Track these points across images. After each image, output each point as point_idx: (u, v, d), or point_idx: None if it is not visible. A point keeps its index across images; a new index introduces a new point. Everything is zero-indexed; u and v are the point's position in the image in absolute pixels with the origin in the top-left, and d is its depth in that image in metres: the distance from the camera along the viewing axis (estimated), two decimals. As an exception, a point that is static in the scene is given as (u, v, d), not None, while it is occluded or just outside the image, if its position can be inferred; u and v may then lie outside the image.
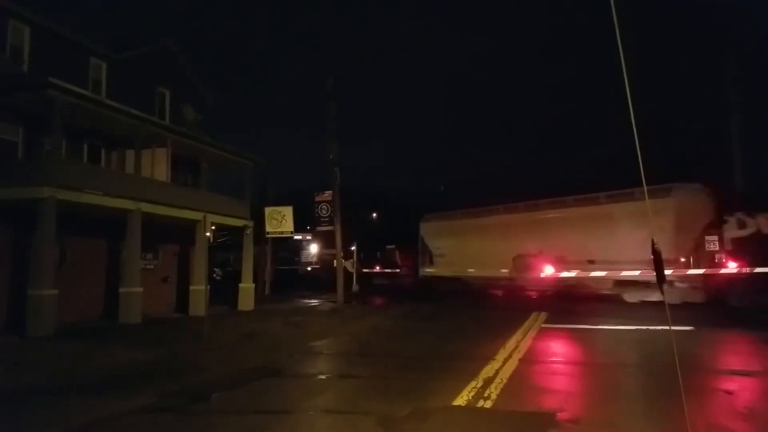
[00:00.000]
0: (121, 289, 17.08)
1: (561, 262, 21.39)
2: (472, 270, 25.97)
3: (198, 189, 22.10)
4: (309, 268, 40.38)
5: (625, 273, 19.35)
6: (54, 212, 14.56)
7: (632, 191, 19.56)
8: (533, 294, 23.62)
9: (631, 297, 20.19)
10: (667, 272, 17.06)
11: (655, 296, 18.39)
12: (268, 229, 23.79)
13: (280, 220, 23.72)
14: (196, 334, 13.82)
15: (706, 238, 18.57)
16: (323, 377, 9.27)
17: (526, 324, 15.44)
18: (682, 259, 18.90)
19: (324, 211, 24.31)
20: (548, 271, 21.48)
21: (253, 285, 23.00)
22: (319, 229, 25.51)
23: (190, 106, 23.77)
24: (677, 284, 18.57)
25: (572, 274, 20.59)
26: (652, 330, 13.56)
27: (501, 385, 8.01)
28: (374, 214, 58.11)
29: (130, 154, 19.13)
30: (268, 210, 24.03)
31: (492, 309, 21.20)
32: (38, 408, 7.31)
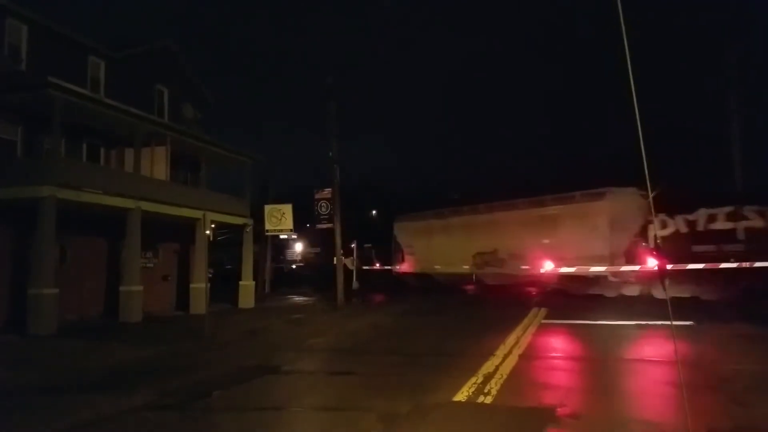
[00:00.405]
0: (122, 288, 17.10)
1: (515, 260, 23.27)
2: (439, 267, 27.56)
3: (198, 187, 22.12)
4: (294, 266, 40.86)
5: (593, 269, 20.59)
6: (54, 211, 14.57)
7: (574, 194, 21.78)
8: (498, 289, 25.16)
9: (575, 290, 21.64)
10: (602, 269, 20.13)
11: (594, 290, 20.69)
12: (267, 226, 23.80)
13: (280, 218, 23.72)
14: (197, 332, 13.85)
15: (636, 237, 19.98)
16: (324, 374, 9.30)
17: (526, 320, 15.46)
18: (617, 256, 20.15)
19: (323, 209, 24.25)
20: (548, 266, 21.81)
21: (254, 283, 23.04)
22: (319, 226, 25.43)
23: (190, 104, 23.77)
24: (611, 278, 20.25)
25: (572, 269, 21.14)
26: (651, 325, 13.58)
27: (501, 381, 8.04)
28: (374, 212, 58.11)
29: (129, 153, 19.14)
30: (267, 208, 24.04)
31: (492, 305, 21.23)
32: (39, 406, 7.34)
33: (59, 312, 14.60)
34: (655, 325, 13.44)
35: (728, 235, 17.93)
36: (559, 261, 21.00)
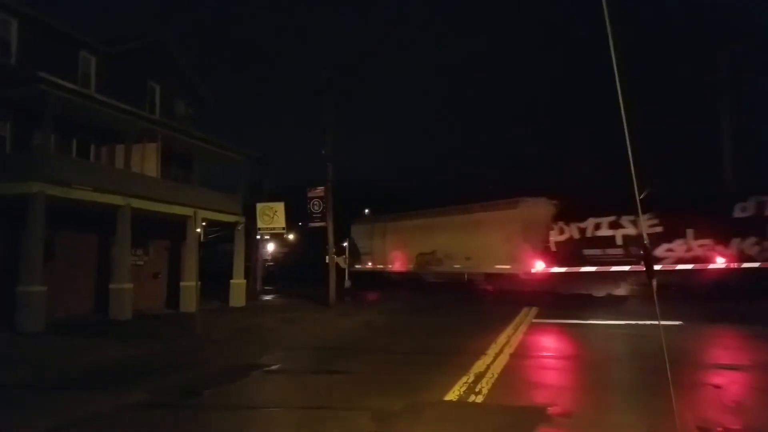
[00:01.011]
0: (112, 285, 16.99)
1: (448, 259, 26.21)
2: (390, 266, 30.34)
3: (189, 184, 22.00)
4: (266, 265, 42.69)
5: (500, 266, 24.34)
6: (43, 208, 14.46)
7: (497, 203, 24.86)
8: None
9: (491, 286, 25.45)
10: (506, 267, 23.60)
11: (511, 286, 23.97)
12: (259, 224, 23.72)
13: (272, 216, 23.64)
14: (188, 330, 13.80)
15: (542, 241, 22.68)
16: (316, 373, 9.29)
17: (517, 319, 15.54)
18: (528, 258, 22.83)
19: (316, 207, 24.16)
20: (539, 266, 22.46)
21: (245, 281, 22.96)
22: (311, 225, 25.36)
23: (183, 101, 23.63)
24: (522, 277, 23.42)
25: (563, 269, 22.27)
26: (641, 325, 13.68)
27: (492, 380, 8.08)
28: (366, 211, 58.04)
29: (120, 149, 19.00)
30: (260, 206, 23.96)
31: (484, 304, 21.33)
32: (29, 404, 7.28)
33: (48, 309, 14.48)
34: (645, 324, 13.54)
35: (610, 241, 20.39)
36: (485, 261, 24.36)
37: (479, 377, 8.26)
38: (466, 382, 7.93)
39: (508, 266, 23.54)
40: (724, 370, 8.78)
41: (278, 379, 9.00)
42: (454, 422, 6.30)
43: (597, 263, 20.85)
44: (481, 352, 10.27)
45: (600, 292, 21.49)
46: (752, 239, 17.14)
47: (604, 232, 20.51)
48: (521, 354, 10.49)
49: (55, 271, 16.27)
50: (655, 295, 4.98)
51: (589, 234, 21.05)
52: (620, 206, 19.26)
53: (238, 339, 13.39)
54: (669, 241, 18.69)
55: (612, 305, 19.01)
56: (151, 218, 18.83)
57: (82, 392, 7.89)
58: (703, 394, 7.27)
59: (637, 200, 4.98)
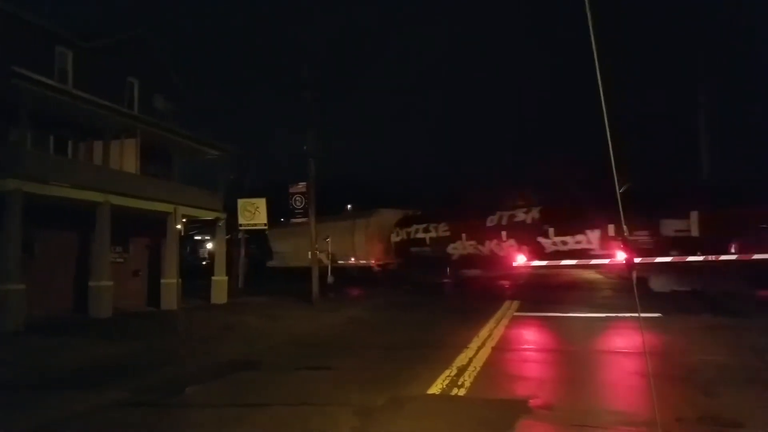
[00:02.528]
0: (91, 283, 16.80)
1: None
2: (294, 263, 33.79)
3: (169, 181, 21.78)
4: (204, 263, 43.73)
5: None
6: (20, 205, 14.26)
7: (362, 212, 32.02)
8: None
9: (356, 273, 31.32)
10: (353, 261, 31.09)
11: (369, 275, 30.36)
12: (241, 221, 23.55)
13: (254, 212, 23.49)
14: (170, 328, 13.69)
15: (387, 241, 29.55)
16: (300, 369, 9.27)
17: (499, 313, 15.66)
18: (379, 253, 30.17)
19: (298, 203, 24.02)
20: (521, 260, 22.94)
21: (226, 278, 22.82)
22: (293, 221, 25.29)
23: (161, 96, 23.34)
24: (375, 269, 30.32)
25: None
26: (621, 317, 13.87)
27: (474, 373, 8.15)
28: (349, 206, 58.02)
29: (98, 146, 18.76)
30: (241, 201, 23.80)
31: (466, 299, 21.44)
32: (7, 405, 7.17)
33: (27, 308, 14.29)
34: (624, 317, 13.73)
35: (422, 242, 26.68)
36: (356, 255, 31.09)
37: (462, 370, 8.32)
38: (448, 376, 7.98)
39: (364, 261, 30.93)
40: (702, 361, 8.93)
41: (261, 376, 8.96)
42: (436, 415, 6.34)
43: (417, 257, 27.38)
44: (463, 346, 10.35)
45: (422, 278, 27.76)
46: (494, 241, 23.21)
47: (420, 235, 26.73)
48: (503, 347, 10.58)
49: (34, 270, 16.03)
50: (635, 288, 5.05)
51: (412, 236, 27.25)
52: (431, 217, 26.82)
53: (220, 336, 13.30)
54: (454, 241, 25.20)
55: (592, 298, 19.27)
56: (131, 215, 18.63)
57: (62, 392, 7.78)
58: (682, 385, 7.39)
59: (617, 194, 5.05)
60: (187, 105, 25.76)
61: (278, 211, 27.69)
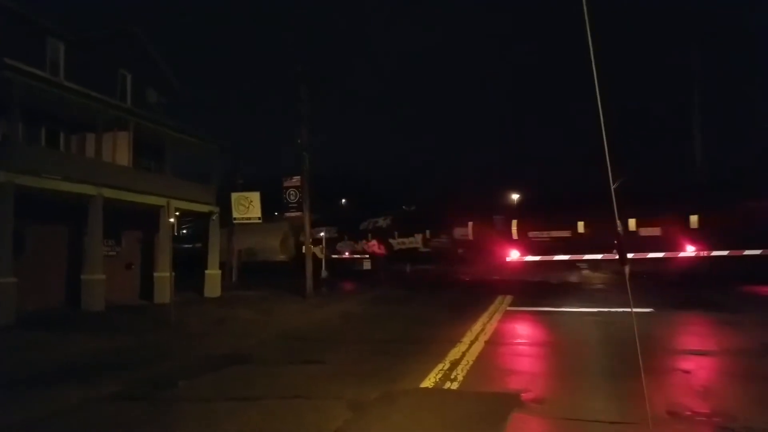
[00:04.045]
0: (84, 276, 16.72)
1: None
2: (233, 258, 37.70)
3: (162, 174, 21.68)
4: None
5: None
6: (12, 198, 14.17)
7: (280, 215, 32.84)
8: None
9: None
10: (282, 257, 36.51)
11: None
12: (235, 215, 23.53)
13: (247, 206, 23.47)
14: (163, 322, 13.66)
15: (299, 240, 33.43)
16: (293, 363, 9.27)
17: (492, 307, 15.73)
18: (289, 251, 36.49)
19: (292, 197, 24.02)
20: (513, 255, 24.66)
21: (220, 272, 22.77)
22: (287, 215, 25.31)
23: (154, 89, 23.21)
24: (291, 264, 33.44)
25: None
26: (613, 312, 13.95)
27: (467, 367, 8.18)
28: (343, 200, 58.09)
29: (90, 138, 18.64)
30: (234, 195, 23.75)
31: (459, 293, 21.52)
32: (-1, 398, 7.14)
33: (19, 302, 14.22)
34: (616, 312, 13.81)
35: (336, 240, 34.88)
36: (276, 252, 36.51)
37: (455, 364, 8.36)
38: (441, 370, 8.02)
39: (283, 256, 36.31)
40: (693, 356, 9.01)
41: (254, 370, 8.96)
42: (429, 408, 6.37)
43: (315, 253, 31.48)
44: (456, 340, 10.39)
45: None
46: (363, 242, 33.67)
47: (319, 236, 31.02)
48: (496, 341, 10.63)
49: (26, 263, 15.94)
50: (628, 282, 5.09)
51: (317, 236, 30.76)
52: (324, 222, 33.24)
53: (213, 330, 13.29)
54: (341, 240, 34.50)
55: (584, 293, 19.40)
56: (124, 208, 18.54)
57: (54, 385, 7.76)
58: (673, 379, 7.46)
59: (612, 189, 5.08)
60: (181, 99, 25.65)
61: (271, 205, 27.62)
